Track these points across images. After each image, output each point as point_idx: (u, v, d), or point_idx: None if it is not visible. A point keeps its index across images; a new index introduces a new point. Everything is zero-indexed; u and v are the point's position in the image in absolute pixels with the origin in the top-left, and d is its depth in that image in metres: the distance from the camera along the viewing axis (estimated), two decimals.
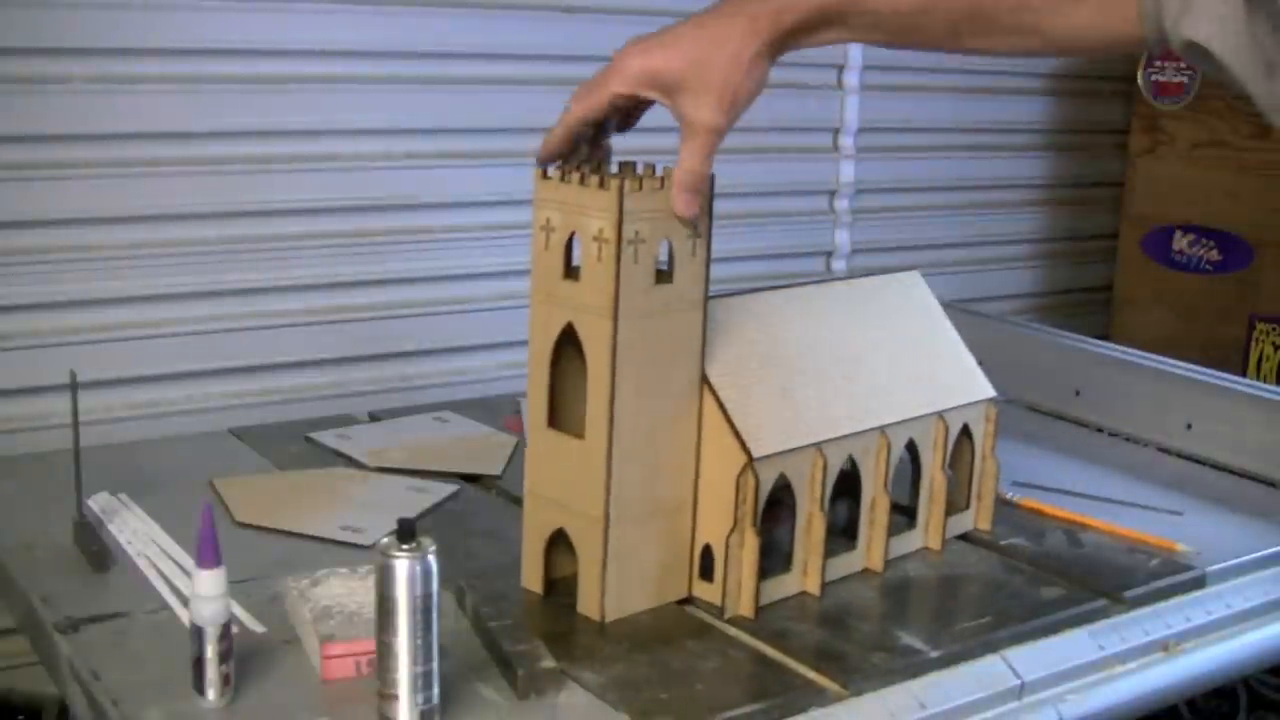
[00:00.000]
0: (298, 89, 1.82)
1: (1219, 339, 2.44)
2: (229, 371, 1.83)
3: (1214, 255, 2.50)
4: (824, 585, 1.15)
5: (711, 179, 1.07)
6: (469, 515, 1.20)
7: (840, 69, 2.34)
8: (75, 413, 1.22)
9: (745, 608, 1.10)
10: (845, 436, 1.15)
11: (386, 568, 0.90)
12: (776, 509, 1.13)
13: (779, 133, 2.27)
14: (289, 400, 1.86)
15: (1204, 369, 1.64)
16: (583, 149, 1.08)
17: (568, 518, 1.10)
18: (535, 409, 1.10)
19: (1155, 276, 2.57)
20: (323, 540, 1.23)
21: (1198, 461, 1.57)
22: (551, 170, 1.07)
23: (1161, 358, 1.69)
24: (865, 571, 1.21)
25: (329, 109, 1.85)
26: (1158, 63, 2.50)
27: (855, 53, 2.36)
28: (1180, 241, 2.54)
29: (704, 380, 1.10)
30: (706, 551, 1.11)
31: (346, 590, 1.06)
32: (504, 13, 1.97)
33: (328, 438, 1.53)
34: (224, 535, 0.96)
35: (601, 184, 1.02)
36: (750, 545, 1.09)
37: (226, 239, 1.80)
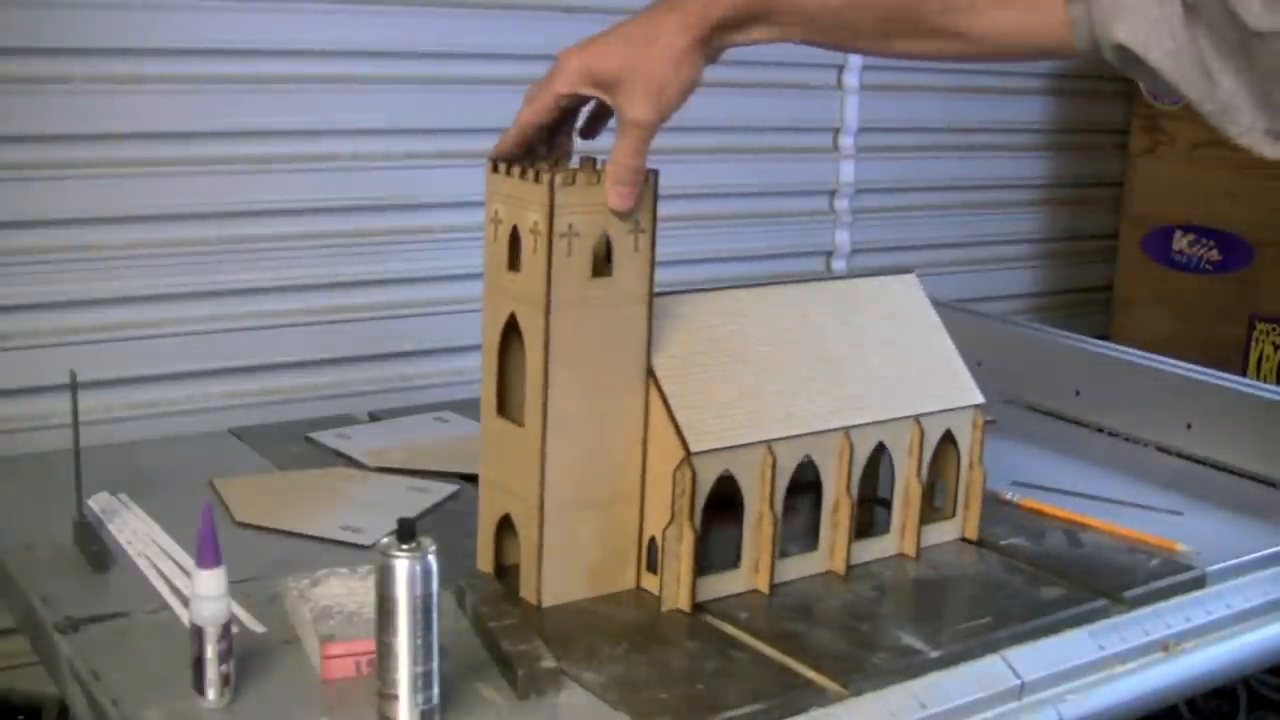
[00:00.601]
0: (298, 89, 1.82)
1: (1219, 339, 2.44)
2: (229, 371, 1.83)
3: (1214, 255, 2.50)
4: (773, 584, 1.15)
5: (655, 175, 1.09)
6: (469, 515, 1.20)
7: (840, 69, 2.34)
8: (75, 413, 1.22)
9: (683, 601, 1.11)
10: (800, 435, 1.15)
11: (386, 568, 0.90)
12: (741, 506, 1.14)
13: (779, 133, 2.27)
14: (289, 400, 1.86)
15: (1204, 369, 1.64)
16: (539, 149, 1.10)
17: (513, 503, 1.12)
18: (486, 397, 1.14)
19: (1155, 276, 2.57)
20: (323, 540, 1.23)
21: (1198, 461, 1.57)
22: (500, 164, 1.09)
23: (1161, 358, 1.69)
24: (865, 572, 1.21)
25: (329, 109, 1.85)
26: None
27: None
28: (1180, 241, 2.54)
29: (649, 373, 1.11)
30: (652, 544, 1.13)
31: (346, 590, 1.06)
32: (504, 13, 1.97)
33: (328, 438, 1.52)
34: (224, 535, 0.96)
35: (536, 178, 1.04)
36: (688, 539, 1.10)
37: (226, 239, 1.80)
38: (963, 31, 1.02)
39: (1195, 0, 0.92)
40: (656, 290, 1.12)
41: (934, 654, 1.07)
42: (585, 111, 1.12)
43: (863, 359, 1.23)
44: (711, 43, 1.05)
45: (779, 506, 1.14)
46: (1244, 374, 2.28)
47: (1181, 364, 1.66)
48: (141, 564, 1.17)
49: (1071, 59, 1.03)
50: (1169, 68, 0.94)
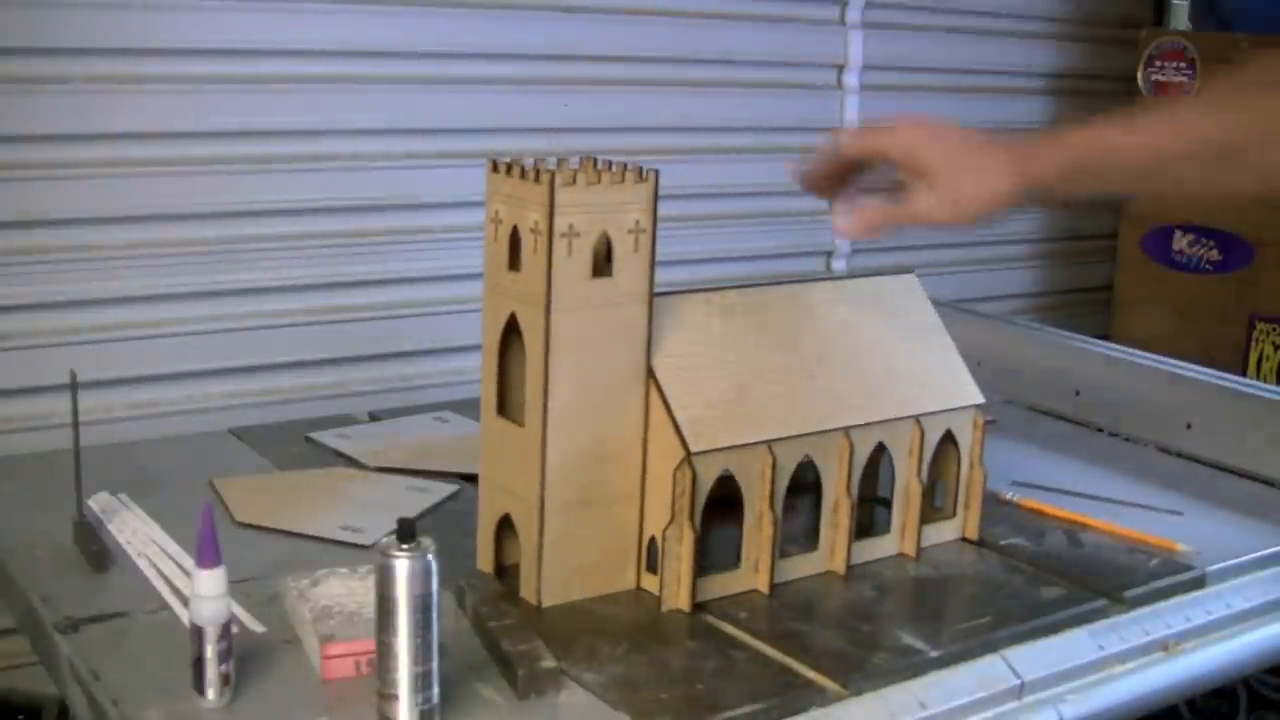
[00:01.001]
0: (298, 89, 1.82)
1: (1219, 339, 2.44)
2: (229, 371, 1.83)
3: (1214, 255, 2.50)
4: (773, 584, 1.15)
5: (655, 175, 1.10)
6: (469, 515, 1.20)
7: (840, 69, 2.34)
8: (75, 413, 1.22)
9: (683, 601, 1.11)
10: (801, 436, 1.15)
11: (386, 568, 0.90)
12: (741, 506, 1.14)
13: (779, 132, 2.27)
14: (289, 400, 1.86)
15: (1204, 369, 1.64)
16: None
17: (513, 503, 1.12)
18: (486, 396, 1.14)
19: (1155, 276, 2.57)
20: (323, 540, 1.23)
21: (1198, 461, 1.57)
22: (500, 164, 1.10)
23: (1161, 358, 1.69)
24: (865, 571, 1.21)
25: (329, 109, 1.85)
26: (1157, 62, 2.51)
27: (855, 52, 2.36)
28: (1180, 241, 2.54)
29: (649, 373, 1.11)
30: (652, 544, 1.13)
31: (346, 590, 1.06)
32: (504, 13, 1.97)
33: (328, 438, 1.52)
34: (224, 535, 0.96)
35: (537, 178, 1.04)
36: (687, 539, 1.10)
37: (226, 239, 1.80)
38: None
39: None
40: (656, 290, 1.12)
41: (934, 654, 1.07)
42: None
43: (863, 359, 1.23)
44: (1036, 194, 1.12)
45: (779, 506, 1.14)
46: (1244, 374, 2.28)
47: (1181, 364, 1.66)
48: (141, 564, 1.17)
49: None
50: None
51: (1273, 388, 1.60)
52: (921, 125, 1.13)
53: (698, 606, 1.11)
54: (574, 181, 1.05)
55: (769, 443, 1.13)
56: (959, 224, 1.13)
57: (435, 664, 0.92)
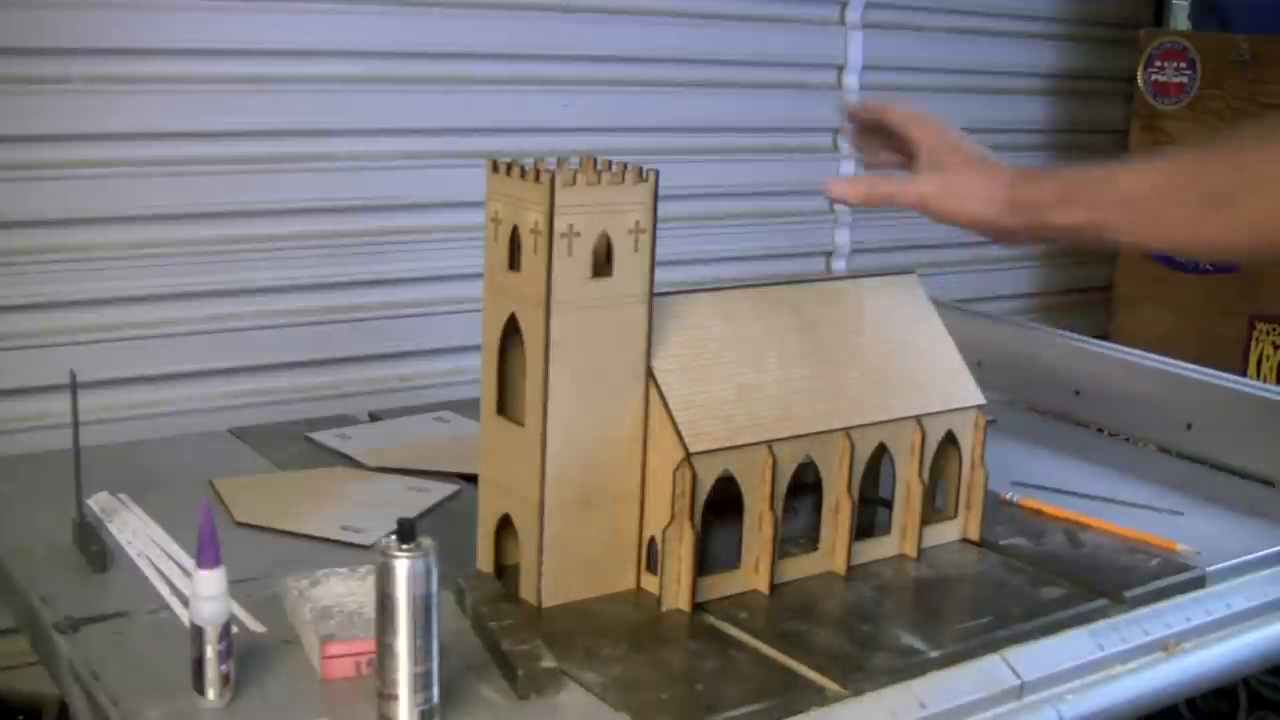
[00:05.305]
0: (298, 89, 1.82)
1: (1219, 339, 2.44)
2: (229, 371, 1.84)
3: None
4: (773, 585, 1.15)
5: (655, 175, 1.10)
6: (469, 515, 1.20)
7: (840, 69, 2.34)
8: (75, 413, 1.22)
9: (683, 601, 1.11)
10: (801, 436, 1.15)
11: (386, 568, 0.90)
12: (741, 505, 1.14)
13: (779, 133, 2.27)
14: (289, 400, 1.86)
15: (1204, 369, 1.64)
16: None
17: (512, 503, 1.12)
18: (486, 396, 1.14)
19: (1155, 276, 2.57)
20: (323, 540, 1.23)
21: (1198, 461, 1.57)
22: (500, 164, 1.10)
23: (1161, 358, 1.69)
24: (865, 572, 1.21)
25: (328, 109, 1.85)
26: (1158, 62, 2.51)
27: (855, 52, 2.36)
28: None
29: (648, 373, 1.11)
30: (652, 544, 1.13)
31: (346, 590, 1.06)
32: (504, 13, 1.97)
33: (328, 438, 1.52)
34: (224, 535, 0.96)
35: (537, 177, 1.04)
36: (688, 539, 1.10)
37: (226, 239, 1.81)
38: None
39: None
40: (656, 290, 1.12)
41: (934, 654, 1.07)
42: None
43: (863, 359, 1.23)
44: (1030, 215, 1.14)
45: (779, 507, 1.14)
46: (1244, 374, 2.28)
47: (1181, 364, 1.66)
48: (141, 564, 1.17)
49: None
50: None
51: (1273, 388, 1.60)
52: (946, 128, 1.19)
53: (698, 606, 1.11)
54: (574, 181, 1.05)
55: (769, 443, 1.13)
56: (952, 219, 1.16)
57: (435, 664, 0.92)
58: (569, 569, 1.11)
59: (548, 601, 1.10)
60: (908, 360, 1.26)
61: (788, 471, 1.15)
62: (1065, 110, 2.67)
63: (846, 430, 1.18)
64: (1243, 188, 1.06)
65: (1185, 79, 2.46)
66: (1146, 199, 1.11)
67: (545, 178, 1.04)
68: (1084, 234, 1.15)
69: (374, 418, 1.64)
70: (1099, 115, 2.71)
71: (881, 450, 1.21)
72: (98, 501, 1.29)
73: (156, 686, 0.96)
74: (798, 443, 1.15)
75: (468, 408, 1.61)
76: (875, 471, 1.25)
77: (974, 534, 1.29)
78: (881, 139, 1.26)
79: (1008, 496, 1.39)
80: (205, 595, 0.93)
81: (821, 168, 2.35)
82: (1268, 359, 2.40)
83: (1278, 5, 2.52)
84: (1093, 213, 1.12)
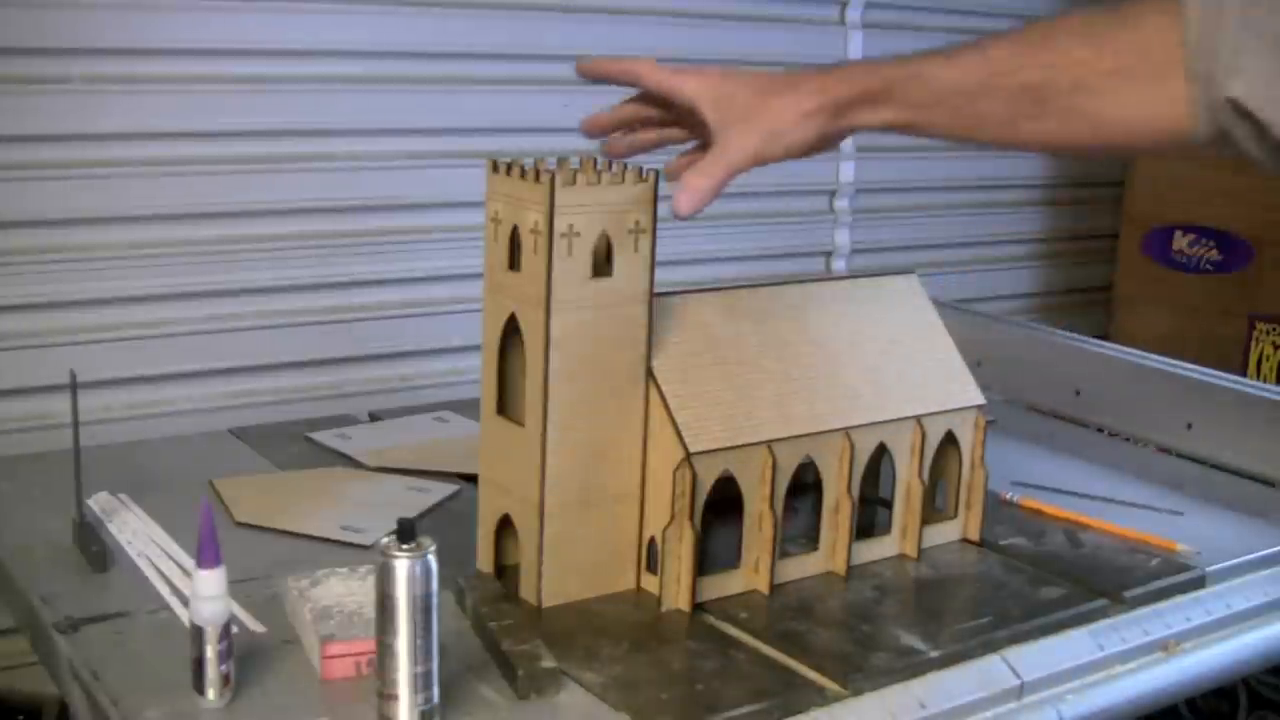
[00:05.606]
0: (298, 89, 1.82)
1: (1219, 339, 2.44)
2: (229, 371, 1.84)
3: (1214, 255, 2.50)
4: (773, 585, 1.15)
5: (655, 175, 1.10)
6: (469, 515, 1.20)
7: None
8: (75, 413, 1.22)
9: (683, 601, 1.11)
10: (801, 436, 1.15)
11: (386, 568, 0.90)
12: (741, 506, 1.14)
13: None
14: (289, 400, 1.86)
15: (1204, 369, 1.64)
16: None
17: (512, 503, 1.12)
18: (486, 396, 1.14)
19: (1155, 276, 2.57)
20: (323, 540, 1.23)
21: (1198, 461, 1.57)
22: (500, 164, 1.10)
23: (1161, 358, 1.69)
24: (865, 572, 1.21)
25: (328, 109, 1.85)
26: None
27: (855, 52, 2.36)
28: (1180, 241, 2.54)
29: (648, 373, 1.11)
30: (652, 544, 1.13)
31: (346, 590, 1.06)
32: (504, 13, 1.97)
33: (328, 438, 1.52)
34: (224, 535, 0.96)
35: (537, 177, 1.05)
36: (688, 540, 1.10)
37: (226, 239, 1.81)
38: (1089, 112, 1.02)
39: None
40: (656, 290, 1.12)
41: (934, 654, 1.07)
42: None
43: (863, 359, 1.23)
44: (839, 119, 1.07)
45: (779, 507, 1.14)
46: (1244, 374, 2.28)
47: (1181, 364, 1.66)
48: (141, 564, 1.17)
49: (1183, 149, 1.05)
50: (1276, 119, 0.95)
51: (1273, 388, 1.60)
52: (710, 68, 1.09)
53: (698, 606, 1.11)
54: (574, 181, 1.05)
55: (769, 443, 1.13)
56: (775, 151, 1.06)
57: (435, 664, 0.92)
58: (569, 569, 1.11)
59: (548, 601, 1.10)
60: (908, 360, 1.26)
61: (788, 471, 1.15)
62: None
63: (846, 430, 1.18)
64: (1060, 81, 1.02)
65: None
66: (957, 95, 1.06)
67: (545, 178, 1.04)
68: (897, 130, 1.09)
69: (374, 418, 1.64)
70: None
71: (881, 450, 1.21)
72: (98, 501, 1.29)
73: (156, 686, 0.96)
74: (798, 443, 1.15)
75: (468, 408, 1.61)
76: (875, 471, 1.25)
77: (974, 534, 1.29)
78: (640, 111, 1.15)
79: (1008, 496, 1.39)
80: (205, 595, 0.93)
81: (822, 167, 2.35)
82: (1268, 359, 2.40)
83: None
84: (901, 112, 1.07)
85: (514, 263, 1.09)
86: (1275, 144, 0.96)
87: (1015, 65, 1.04)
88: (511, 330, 1.10)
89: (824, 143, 1.09)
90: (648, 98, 1.14)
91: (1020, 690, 1.07)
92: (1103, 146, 1.06)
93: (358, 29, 1.85)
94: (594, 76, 1.13)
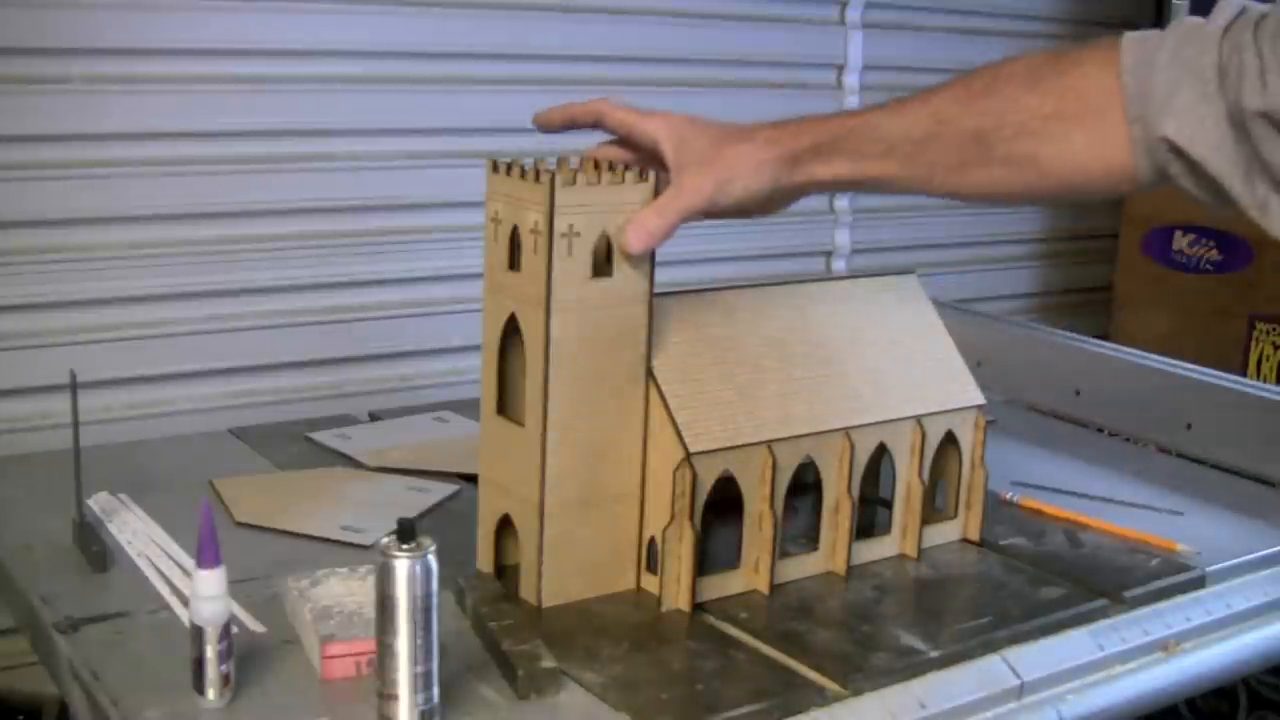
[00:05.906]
0: (297, 89, 1.83)
1: (1219, 339, 2.44)
2: (229, 371, 1.84)
3: (1214, 255, 2.50)
4: (773, 585, 1.15)
5: (656, 175, 1.09)
6: (469, 515, 1.20)
7: (840, 69, 2.34)
8: (75, 413, 1.22)
9: (683, 601, 1.11)
10: (801, 436, 1.15)
11: (386, 568, 0.90)
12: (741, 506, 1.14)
13: None
14: (289, 400, 1.86)
15: (1204, 369, 1.64)
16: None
17: (512, 503, 1.12)
18: (486, 396, 1.14)
19: (1155, 276, 2.57)
20: (323, 540, 1.23)
21: (1198, 461, 1.57)
22: (500, 164, 1.10)
23: (1161, 358, 1.69)
24: (865, 572, 1.21)
25: (327, 109, 1.85)
26: None
27: (855, 52, 2.36)
28: (1180, 241, 2.54)
29: (648, 373, 1.11)
30: (652, 544, 1.13)
31: (346, 590, 1.06)
32: (504, 13, 1.97)
33: (328, 438, 1.52)
34: (224, 535, 0.96)
35: (537, 177, 1.05)
36: (688, 540, 1.10)
37: (226, 239, 1.81)
38: (1035, 157, 1.03)
39: (1238, 99, 0.94)
40: (656, 290, 1.12)
41: (934, 654, 1.07)
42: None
43: (863, 359, 1.23)
44: (794, 171, 1.08)
45: (779, 507, 1.14)
46: (1244, 374, 2.28)
47: (1181, 364, 1.66)
48: (141, 564, 1.17)
49: (1131, 191, 1.06)
50: (1211, 159, 0.96)
51: (1273, 388, 1.60)
52: (674, 113, 1.11)
53: (698, 606, 1.11)
54: (574, 181, 1.05)
55: (769, 443, 1.13)
56: (729, 196, 1.07)
57: (435, 664, 0.92)
58: (569, 569, 1.11)
59: (548, 601, 1.10)
60: (908, 360, 1.26)
61: (788, 471, 1.15)
62: None
63: (846, 430, 1.18)
64: (1003, 127, 1.03)
65: None
66: (906, 143, 1.06)
67: (545, 178, 1.04)
68: (850, 186, 1.11)
69: (374, 418, 1.64)
70: None
71: (881, 450, 1.21)
72: (98, 501, 1.29)
73: (156, 686, 0.96)
74: (798, 443, 1.15)
75: (468, 408, 1.61)
76: (875, 471, 1.25)
77: (974, 534, 1.29)
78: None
79: (1008, 496, 1.39)
80: (205, 595, 0.93)
81: None
82: (1268, 359, 2.40)
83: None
84: (855, 162, 1.08)
85: (514, 263, 1.09)
86: (1208, 180, 0.97)
87: (959, 112, 1.05)
88: (511, 330, 1.10)
89: (779, 196, 1.10)
90: (616, 139, 1.15)
91: (1020, 690, 1.07)
92: (1053, 191, 1.07)
93: (358, 29, 1.85)
94: (553, 127, 1.15)
